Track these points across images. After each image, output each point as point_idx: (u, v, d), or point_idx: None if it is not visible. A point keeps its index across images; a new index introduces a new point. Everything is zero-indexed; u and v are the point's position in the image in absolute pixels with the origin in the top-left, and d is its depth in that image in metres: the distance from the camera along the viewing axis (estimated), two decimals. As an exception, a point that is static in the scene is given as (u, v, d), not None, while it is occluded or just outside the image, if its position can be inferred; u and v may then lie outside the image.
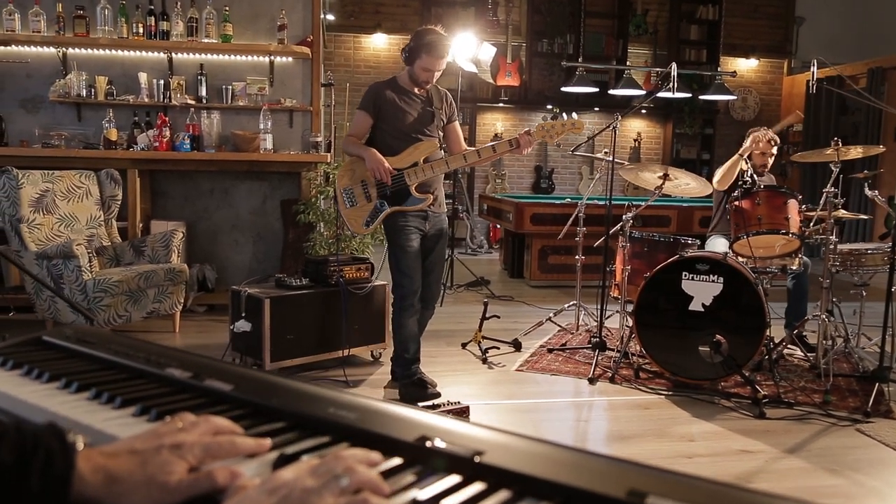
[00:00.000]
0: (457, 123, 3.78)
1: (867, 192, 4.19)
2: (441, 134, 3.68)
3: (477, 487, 0.74)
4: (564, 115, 3.67)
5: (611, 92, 7.56)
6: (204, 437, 0.76)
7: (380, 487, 0.67)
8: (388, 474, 0.77)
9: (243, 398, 0.99)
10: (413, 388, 3.54)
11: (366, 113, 3.56)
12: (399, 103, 3.54)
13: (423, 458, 0.80)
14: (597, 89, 7.70)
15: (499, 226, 8.32)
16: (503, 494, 0.73)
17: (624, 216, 4.20)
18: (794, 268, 4.08)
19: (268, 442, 0.81)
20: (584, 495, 0.70)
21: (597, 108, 9.68)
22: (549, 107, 9.73)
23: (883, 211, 7.78)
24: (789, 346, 4.41)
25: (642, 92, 6.98)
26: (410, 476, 0.76)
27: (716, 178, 4.55)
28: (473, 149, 3.67)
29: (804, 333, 4.55)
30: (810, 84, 4.13)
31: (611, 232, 4.26)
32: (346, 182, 3.58)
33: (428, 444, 0.81)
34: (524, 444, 0.81)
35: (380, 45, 9.36)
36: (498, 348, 4.43)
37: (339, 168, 3.68)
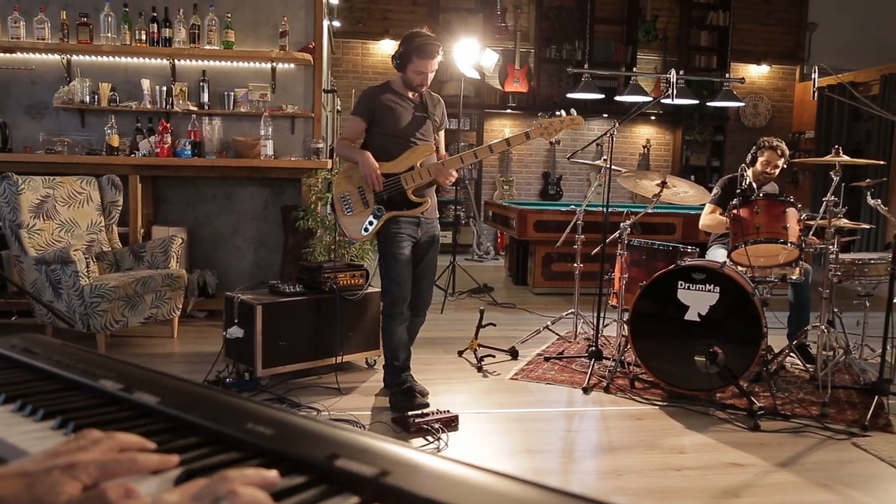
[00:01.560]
0: (443, 132, 3.79)
1: (869, 200, 4.13)
2: (436, 137, 3.67)
3: (374, 510, 0.72)
4: (563, 111, 3.64)
5: (617, 98, 7.51)
6: (105, 455, 0.74)
7: None
8: (287, 494, 0.75)
9: (166, 411, 0.97)
10: (402, 396, 3.52)
11: (359, 118, 3.56)
12: (394, 107, 3.54)
13: (329, 478, 0.79)
14: (602, 95, 7.64)
15: (504, 232, 8.29)
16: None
17: (622, 224, 4.16)
18: (794, 277, 4.01)
19: (174, 458, 0.79)
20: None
21: (605, 115, 9.63)
22: (558, 113, 9.68)
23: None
24: (790, 356, 4.34)
25: (650, 98, 6.93)
26: (309, 496, 0.75)
27: (702, 223, 4.69)
28: (472, 150, 3.65)
29: (807, 344, 4.48)
30: (812, 91, 4.07)
31: (608, 240, 4.22)
32: (343, 188, 3.57)
33: (337, 462, 0.79)
34: (441, 465, 0.79)
35: (388, 51, 9.37)
36: (493, 356, 4.40)
37: (336, 174, 3.67)
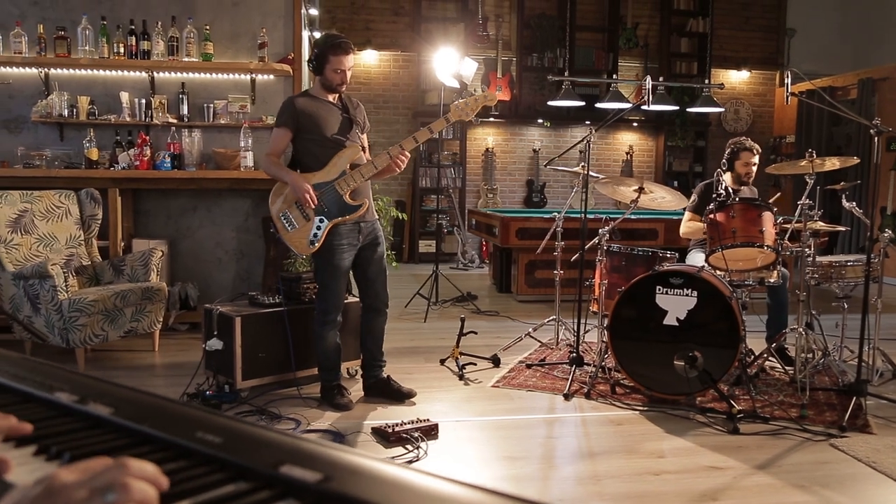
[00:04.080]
0: (366, 135, 3.84)
1: (845, 203, 4.17)
2: (362, 137, 3.72)
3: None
4: (476, 90, 3.70)
5: (598, 105, 7.56)
6: None
7: None
8: (230, 500, 0.76)
9: (119, 422, 0.98)
10: (328, 392, 3.70)
11: (285, 128, 3.59)
12: (319, 112, 3.59)
13: (273, 484, 0.79)
14: (583, 103, 7.71)
15: (488, 240, 8.30)
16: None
17: (600, 230, 4.18)
18: (771, 280, 4.03)
19: (27, 426, 0.83)
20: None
21: (588, 122, 9.67)
22: (540, 121, 9.74)
23: (876, 222, 7.74)
24: (770, 359, 4.36)
25: (630, 105, 6.98)
26: (250, 501, 0.76)
27: (682, 231, 4.74)
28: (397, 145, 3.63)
29: (786, 347, 4.51)
30: (786, 96, 4.11)
31: (587, 246, 4.24)
32: (280, 206, 3.59)
33: (281, 469, 0.80)
34: (383, 470, 0.79)
35: (370, 61, 9.39)
36: (475, 364, 4.40)
37: (271, 193, 3.68)
